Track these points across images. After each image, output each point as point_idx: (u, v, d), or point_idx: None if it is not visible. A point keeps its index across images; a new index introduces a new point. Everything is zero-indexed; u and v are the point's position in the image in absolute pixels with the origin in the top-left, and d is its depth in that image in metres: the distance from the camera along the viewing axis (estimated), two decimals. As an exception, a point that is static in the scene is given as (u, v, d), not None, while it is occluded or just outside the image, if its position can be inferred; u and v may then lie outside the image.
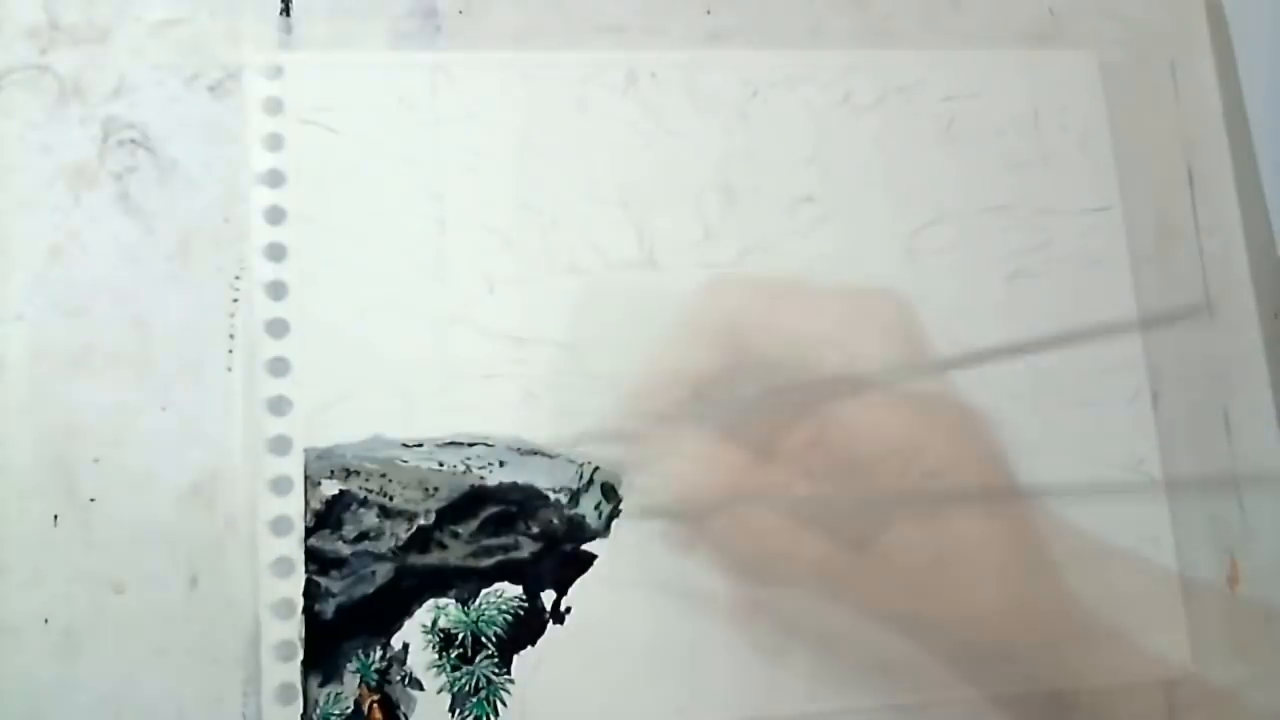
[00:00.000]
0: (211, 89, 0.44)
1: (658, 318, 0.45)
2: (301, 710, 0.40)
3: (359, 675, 0.41)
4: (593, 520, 0.43)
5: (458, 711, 0.41)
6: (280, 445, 0.42)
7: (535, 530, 0.43)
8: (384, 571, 0.41)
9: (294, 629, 0.41)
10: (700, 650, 0.43)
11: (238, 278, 0.43)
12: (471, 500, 0.42)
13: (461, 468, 0.43)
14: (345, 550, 0.41)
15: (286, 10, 0.45)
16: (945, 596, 0.37)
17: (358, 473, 0.42)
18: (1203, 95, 0.52)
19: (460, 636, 0.41)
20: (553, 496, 0.43)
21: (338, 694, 0.41)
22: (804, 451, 0.35)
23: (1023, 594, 0.38)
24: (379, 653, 0.41)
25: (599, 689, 0.42)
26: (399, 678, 0.41)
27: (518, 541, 0.43)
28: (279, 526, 0.41)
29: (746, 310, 0.38)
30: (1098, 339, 0.48)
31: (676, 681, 0.43)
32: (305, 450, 0.42)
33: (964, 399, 0.36)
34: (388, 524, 0.42)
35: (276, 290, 0.43)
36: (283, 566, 0.41)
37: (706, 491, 0.36)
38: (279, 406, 0.42)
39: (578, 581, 0.43)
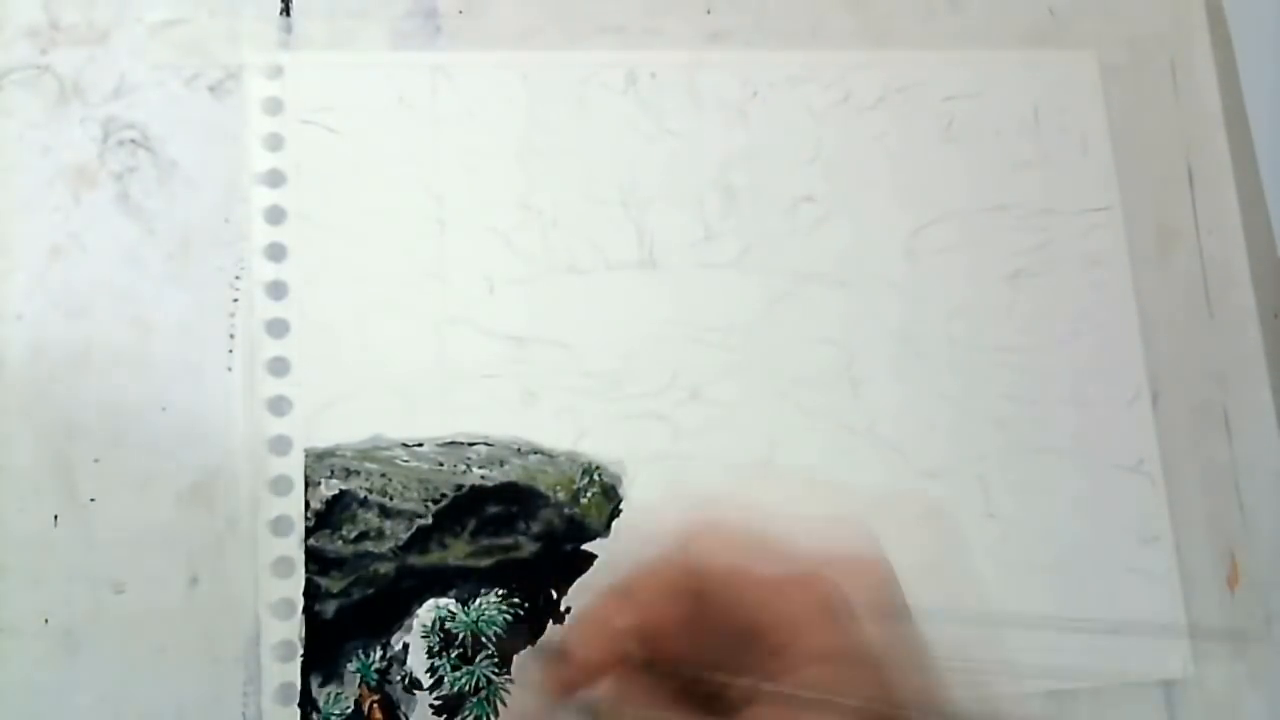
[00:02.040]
0: (211, 89, 0.44)
1: (657, 318, 0.45)
2: (301, 710, 0.40)
3: (359, 675, 0.41)
4: (593, 520, 0.43)
5: (458, 711, 0.41)
6: (280, 445, 0.42)
7: (535, 530, 0.43)
8: (384, 571, 0.41)
9: (294, 629, 0.41)
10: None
11: (238, 278, 0.43)
12: (471, 500, 0.42)
13: (461, 468, 0.43)
14: (345, 550, 0.41)
15: (286, 10, 0.45)
16: None
17: (358, 473, 0.42)
18: (1203, 95, 0.52)
19: (460, 636, 0.41)
20: (553, 496, 0.43)
21: (338, 694, 0.41)
22: None
23: None
24: (379, 653, 0.41)
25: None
26: (399, 678, 0.41)
27: (518, 541, 0.43)
28: (279, 526, 0.41)
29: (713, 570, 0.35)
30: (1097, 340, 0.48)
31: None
32: (305, 450, 0.42)
33: None
34: (388, 524, 0.42)
35: (276, 290, 0.43)
36: (283, 566, 0.41)
37: None
38: (279, 406, 0.42)
39: (577, 581, 0.43)
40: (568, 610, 0.43)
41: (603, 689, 0.33)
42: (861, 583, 0.34)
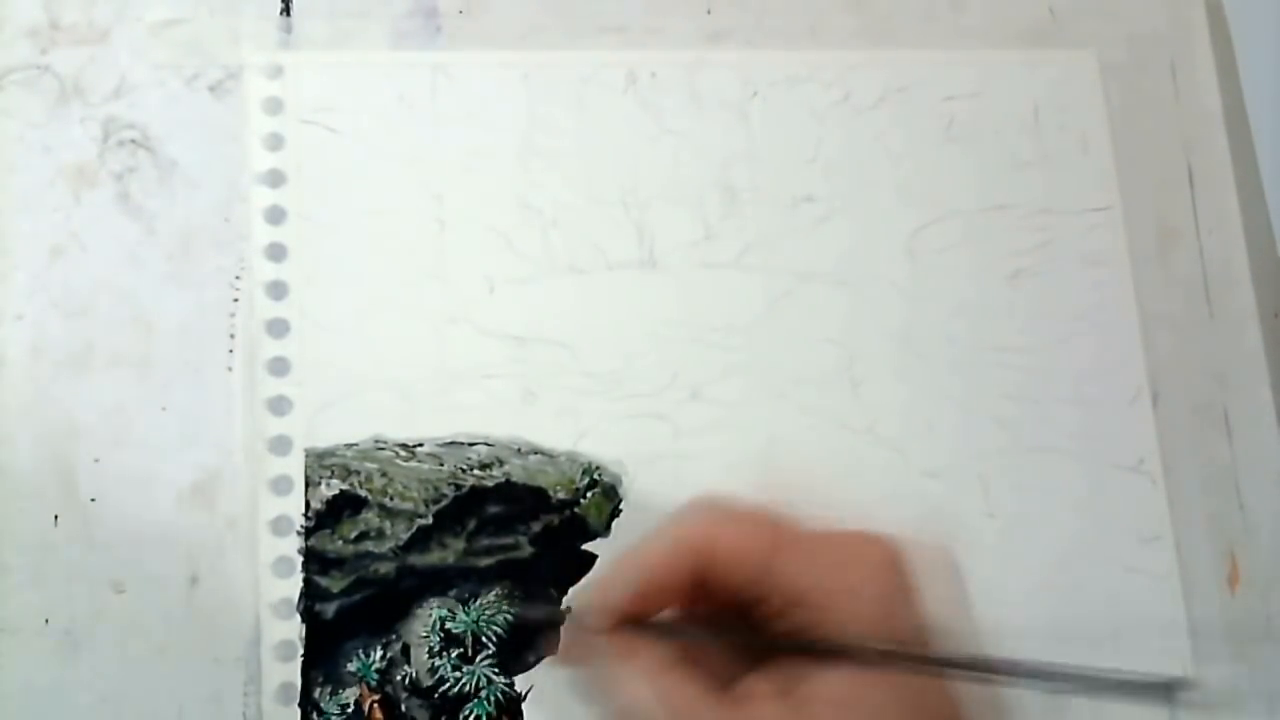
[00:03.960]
0: (212, 89, 0.44)
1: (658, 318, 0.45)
2: (301, 710, 0.40)
3: (359, 675, 0.41)
4: (593, 520, 0.43)
5: (458, 711, 0.41)
6: (280, 445, 0.42)
7: (535, 530, 0.43)
8: (384, 571, 0.41)
9: (294, 629, 0.41)
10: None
11: (238, 278, 0.43)
12: (471, 500, 0.42)
13: (461, 468, 0.43)
14: (345, 550, 0.41)
15: (286, 10, 0.45)
16: None
17: (358, 473, 0.42)
18: (1203, 95, 0.52)
19: (461, 636, 0.41)
20: (553, 496, 0.43)
21: (338, 694, 0.41)
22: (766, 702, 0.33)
23: None
24: (379, 653, 0.41)
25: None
26: (399, 678, 0.41)
27: (518, 541, 0.43)
28: (279, 526, 0.41)
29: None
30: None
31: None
32: (305, 450, 0.42)
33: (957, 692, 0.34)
34: (388, 524, 0.42)
35: (276, 290, 0.43)
36: (283, 566, 0.41)
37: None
38: (279, 406, 0.42)
39: (578, 582, 0.43)
40: (568, 610, 0.43)
41: (653, 647, 0.33)
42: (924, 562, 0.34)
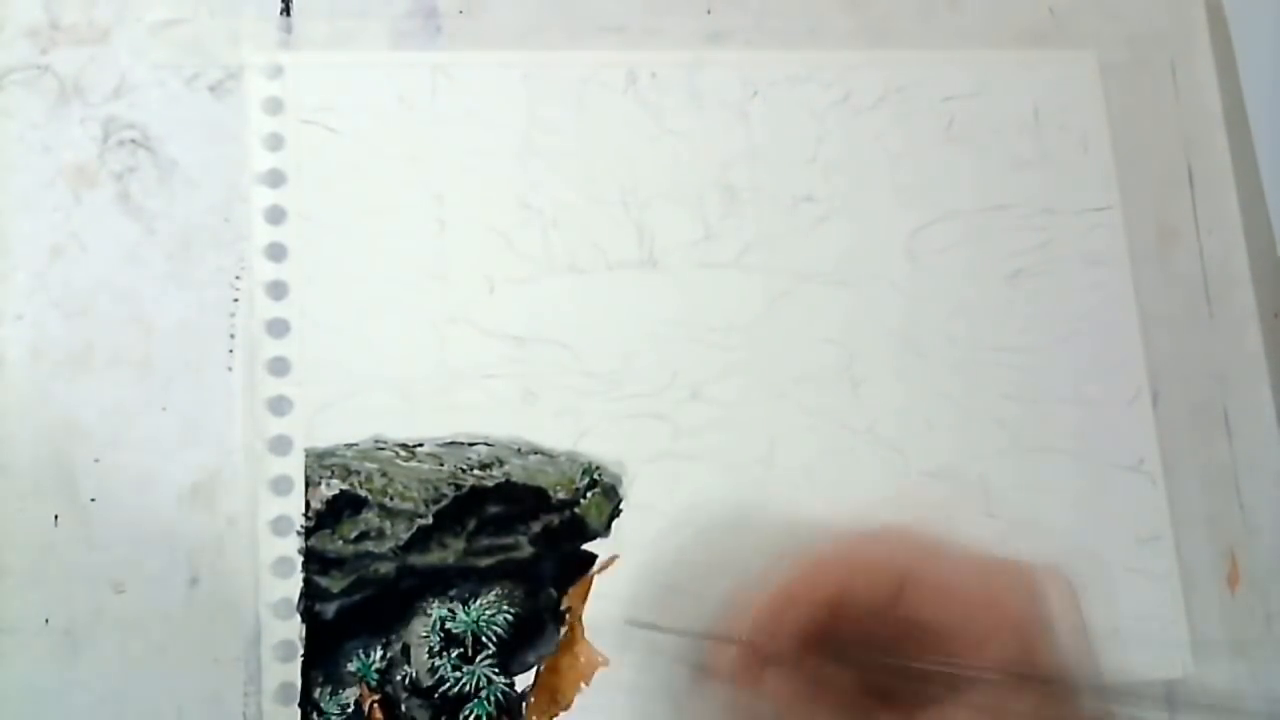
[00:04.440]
0: (212, 89, 0.44)
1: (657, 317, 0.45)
2: (301, 710, 0.40)
3: (359, 675, 0.41)
4: (593, 520, 0.43)
5: (458, 712, 0.41)
6: (280, 445, 0.42)
7: (535, 530, 0.43)
8: (384, 571, 0.41)
9: (294, 629, 0.41)
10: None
11: (238, 278, 0.43)
12: (471, 500, 0.42)
13: (462, 468, 0.43)
14: (345, 550, 0.41)
15: (286, 10, 0.45)
16: None
17: (358, 473, 0.42)
18: (1203, 95, 0.52)
19: (461, 636, 0.41)
20: (553, 496, 0.43)
21: (338, 694, 0.41)
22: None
23: None
24: (379, 653, 0.41)
25: (599, 687, 0.42)
26: (399, 678, 0.41)
27: (518, 541, 0.43)
28: (279, 526, 0.41)
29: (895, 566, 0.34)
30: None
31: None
32: (305, 450, 0.42)
33: None
34: (388, 524, 0.42)
35: (276, 290, 0.43)
36: (283, 566, 0.41)
37: None
38: (279, 406, 0.42)
39: (578, 582, 0.43)
40: (567, 610, 0.43)
41: (786, 676, 0.32)
42: (1054, 590, 0.34)
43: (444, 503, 0.42)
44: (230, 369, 0.42)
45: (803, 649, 0.33)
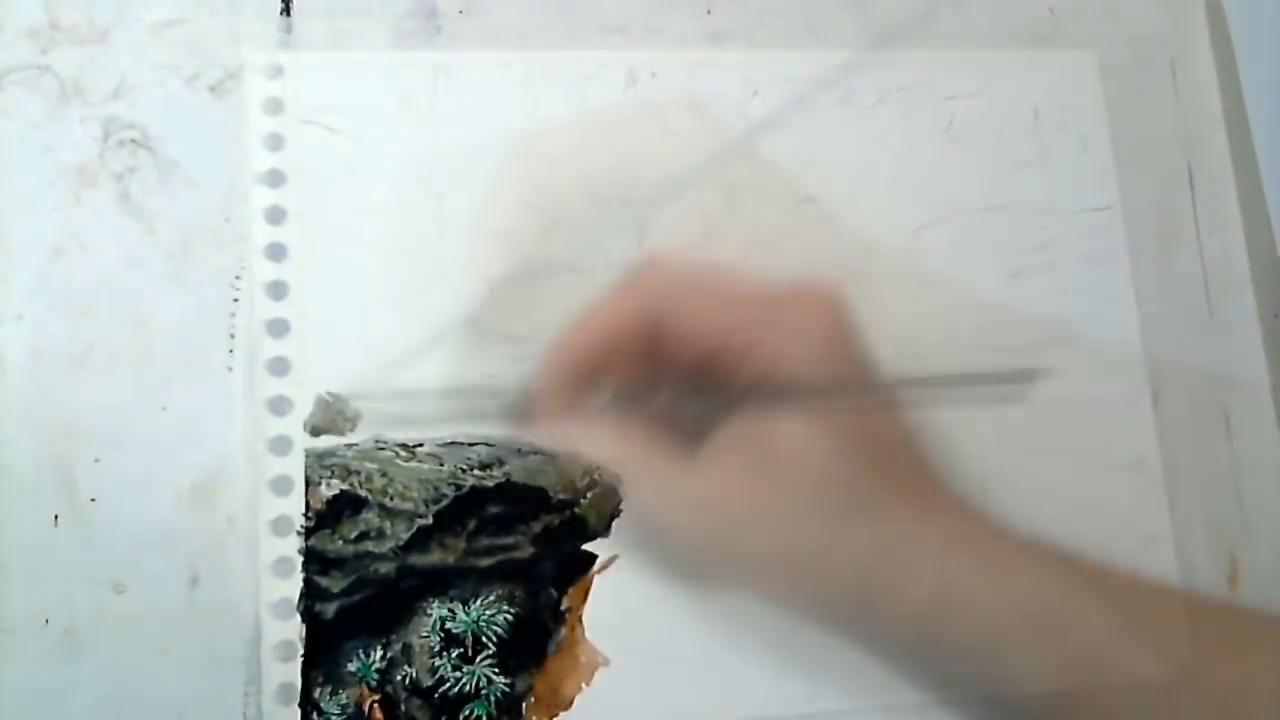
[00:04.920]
0: (212, 89, 0.44)
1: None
2: (301, 710, 0.40)
3: (359, 675, 0.41)
4: (593, 520, 0.43)
5: (458, 712, 0.41)
6: (280, 445, 0.42)
7: (535, 530, 0.43)
8: (384, 571, 0.41)
9: (294, 629, 0.41)
10: (699, 649, 0.43)
11: (238, 278, 0.43)
12: (471, 500, 0.42)
13: (462, 468, 0.43)
14: (345, 550, 0.41)
15: (286, 10, 0.45)
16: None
17: (358, 473, 0.42)
18: (1203, 95, 0.52)
19: (461, 636, 0.41)
20: (553, 496, 0.43)
21: (338, 694, 0.41)
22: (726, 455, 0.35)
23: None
24: (379, 653, 0.41)
25: (600, 687, 0.42)
26: (399, 678, 0.41)
27: (518, 541, 0.43)
28: (279, 526, 0.41)
29: (668, 299, 0.37)
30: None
31: (677, 680, 0.43)
32: (305, 450, 0.42)
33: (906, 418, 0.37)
34: (388, 524, 0.42)
35: (276, 290, 0.43)
36: (283, 566, 0.41)
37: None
38: (279, 406, 0.42)
39: (578, 582, 0.43)
40: (567, 610, 0.43)
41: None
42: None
43: (444, 503, 0.42)
44: (230, 369, 0.42)
45: (627, 388, 0.36)
